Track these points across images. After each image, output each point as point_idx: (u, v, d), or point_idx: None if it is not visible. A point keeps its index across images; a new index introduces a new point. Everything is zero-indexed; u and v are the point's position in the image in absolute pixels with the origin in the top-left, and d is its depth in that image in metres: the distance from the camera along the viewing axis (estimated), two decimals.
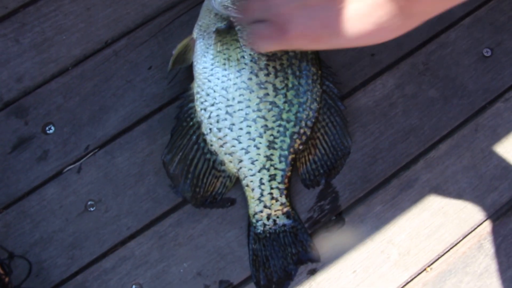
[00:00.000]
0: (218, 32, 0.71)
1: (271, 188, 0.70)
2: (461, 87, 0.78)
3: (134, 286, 0.69)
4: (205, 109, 0.70)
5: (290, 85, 0.70)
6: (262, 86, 0.69)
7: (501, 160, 0.75)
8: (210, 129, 0.70)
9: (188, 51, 0.73)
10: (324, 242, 0.71)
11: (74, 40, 0.78)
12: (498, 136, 0.76)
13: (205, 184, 0.71)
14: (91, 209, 0.72)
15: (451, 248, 0.72)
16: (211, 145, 0.70)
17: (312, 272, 0.70)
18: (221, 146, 0.70)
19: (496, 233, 0.72)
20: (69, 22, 0.79)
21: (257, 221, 0.70)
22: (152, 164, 0.73)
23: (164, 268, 0.70)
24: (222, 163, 0.71)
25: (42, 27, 0.78)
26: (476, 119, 0.77)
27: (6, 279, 0.67)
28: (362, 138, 0.75)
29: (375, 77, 0.77)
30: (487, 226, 0.73)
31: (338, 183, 0.73)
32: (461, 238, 0.72)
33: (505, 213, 0.73)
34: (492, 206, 0.73)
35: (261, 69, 0.69)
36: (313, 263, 0.70)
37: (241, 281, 0.70)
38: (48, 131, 0.75)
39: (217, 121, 0.70)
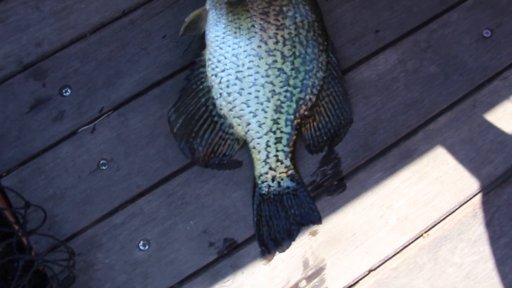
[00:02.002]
0: (229, 3, 0.75)
1: (277, 151, 0.73)
2: (461, 65, 0.81)
3: (141, 242, 0.72)
4: (216, 75, 0.74)
5: (297, 53, 0.73)
6: (270, 53, 0.73)
7: (497, 135, 0.78)
8: (220, 93, 0.73)
9: (200, 20, 0.76)
10: (326, 205, 0.74)
11: (93, 8, 0.82)
12: (495, 112, 0.79)
13: (209, 144, 0.74)
14: (103, 167, 0.75)
15: (447, 215, 0.75)
16: (221, 109, 0.74)
17: (314, 234, 0.73)
18: (230, 110, 0.73)
19: (490, 203, 0.75)
20: None
21: (262, 182, 0.73)
22: (163, 127, 0.76)
23: (171, 225, 0.73)
24: (230, 126, 0.74)
25: None
26: (474, 95, 0.80)
27: (18, 228, 0.70)
28: (365, 109, 0.78)
29: (379, 52, 0.81)
30: (482, 196, 0.75)
31: (340, 150, 0.76)
32: (457, 207, 0.75)
33: (500, 184, 0.76)
34: (487, 177, 0.76)
35: (270, 37, 0.73)
36: (314, 225, 0.73)
37: (244, 240, 0.73)
38: (64, 93, 0.78)
39: (227, 86, 0.73)
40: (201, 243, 0.72)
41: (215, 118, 0.74)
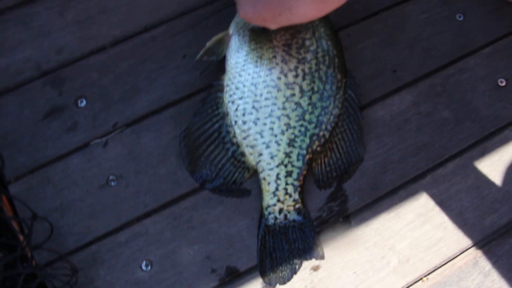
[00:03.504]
0: (253, 30, 0.75)
1: (286, 184, 0.73)
2: (474, 111, 0.82)
3: (144, 262, 0.73)
4: (233, 102, 0.74)
5: (315, 89, 0.74)
6: (289, 86, 0.73)
7: (504, 185, 0.79)
8: (236, 121, 0.74)
9: (220, 45, 0.76)
10: (329, 241, 0.75)
11: (115, 21, 0.82)
12: (503, 162, 0.80)
13: (219, 170, 0.74)
14: (112, 183, 0.75)
15: (448, 261, 0.75)
16: (234, 137, 0.74)
17: (315, 269, 0.74)
18: (244, 138, 0.74)
19: (492, 253, 0.76)
20: (113, 3, 0.82)
21: (269, 213, 0.74)
22: (175, 148, 0.77)
23: (175, 248, 0.73)
24: (242, 154, 0.74)
25: (87, 4, 0.82)
26: (484, 143, 0.81)
27: (22, 238, 0.70)
28: (376, 148, 0.79)
29: (395, 92, 0.82)
30: (484, 245, 0.77)
31: (348, 187, 0.77)
32: (458, 253, 0.76)
33: (502, 235, 0.77)
34: (490, 226, 0.77)
35: (290, 70, 0.73)
36: (317, 260, 0.74)
37: (247, 269, 0.73)
38: (80, 104, 0.78)
39: (243, 114, 0.74)
40: (204, 268, 0.73)
41: (227, 145, 0.75)
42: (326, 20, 0.77)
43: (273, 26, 0.69)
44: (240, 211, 0.75)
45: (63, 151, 0.76)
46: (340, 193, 0.77)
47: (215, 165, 0.75)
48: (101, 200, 0.75)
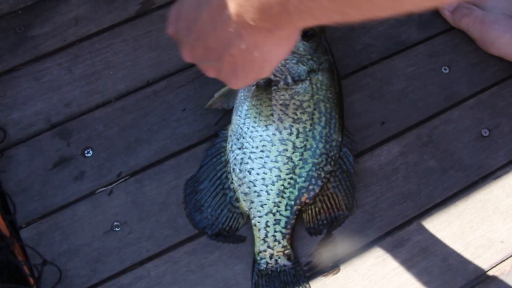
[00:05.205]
0: (257, 86, 0.80)
1: (275, 231, 0.78)
2: (458, 161, 0.86)
3: None
4: (233, 151, 0.80)
5: (308, 146, 0.79)
6: (283, 142, 0.78)
7: (486, 231, 0.83)
8: (233, 169, 0.80)
9: (230, 95, 0.82)
10: (319, 286, 0.79)
11: (120, 76, 0.88)
12: (486, 210, 0.84)
13: (218, 215, 0.80)
14: (117, 229, 0.80)
15: None
16: (232, 183, 0.80)
17: None
18: (239, 185, 0.79)
19: None
20: (117, 59, 0.88)
21: (261, 259, 0.78)
22: (176, 196, 0.82)
23: None
24: (237, 200, 0.80)
25: (93, 60, 0.88)
26: (468, 192, 0.85)
27: (33, 282, 0.76)
28: (364, 197, 0.84)
29: (383, 143, 0.86)
30: None
31: (338, 234, 0.82)
32: None
33: (485, 280, 0.81)
34: (473, 272, 0.81)
35: (285, 128, 0.79)
36: None
37: None
38: (86, 154, 0.84)
39: (240, 163, 0.79)
40: None
41: (226, 191, 0.80)
42: (331, 82, 0.82)
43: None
44: (236, 256, 0.80)
45: (71, 199, 0.82)
46: (330, 239, 0.81)
47: (215, 210, 0.80)
48: (106, 245, 0.80)
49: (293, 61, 0.80)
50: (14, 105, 0.86)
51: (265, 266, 0.78)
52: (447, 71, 0.92)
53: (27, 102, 0.86)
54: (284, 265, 0.78)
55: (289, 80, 0.80)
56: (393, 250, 0.82)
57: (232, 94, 0.83)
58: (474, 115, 0.89)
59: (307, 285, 0.78)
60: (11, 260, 0.74)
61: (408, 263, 0.81)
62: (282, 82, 0.80)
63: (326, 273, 0.80)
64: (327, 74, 0.82)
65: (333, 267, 0.80)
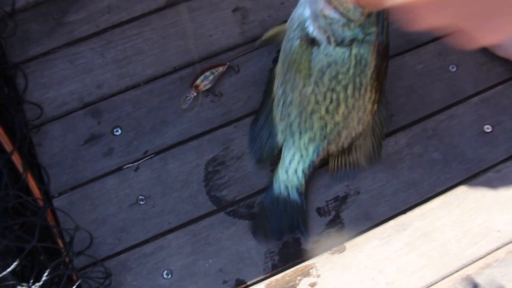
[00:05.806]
0: (301, 40, 0.80)
1: (297, 167, 0.87)
2: (461, 154, 0.92)
3: (166, 271, 0.84)
4: (279, 90, 0.86)
5: (340, 112, 0.84)
6: (318, 103, 0.83)
7: (484, 221, 0.89)
8: (278, 104, 0.87)
9: (279, 35, 0.86)
10: (326, 263, 0.86)
11: (148, 61, 0.94)
12: (485, 200, 0.90)
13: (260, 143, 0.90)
14: (141, 202, 0.87)
15: (430, 286, 0.86)
16: (276, 115, 0.88)
17: (312, 285, 0.85)
18: (281, 119, 0.87)
19: (469, 281, 0.86)
20: (147, 46, 0.95)
21: (278, 185, 0.87)
22: (197, 175, 0.89)
23: (193, 260, 0.85)
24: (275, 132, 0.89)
25: (124, 46, 0.95)
26: (469, 183, 0.91)
27: (62, 246, 0.82)
28: (372, 183, 0.90)
29: (391, 134, 0.93)
30: (463, 273, 0.86)
31: (345, 216, 0.88)
32: (439, 280, 0.86)
33: (481, 265, 0.87)
34: (470, 257, 0.87)
35: (320, 93, 0.82)
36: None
37: (253, 282, 0.84)
38: (115, 133, 0.90)
39: (282, 105, 0.86)
40: (217, 279, 0.84)
41: (270, 125, 0.89)
42: (372, 57, 0.80)
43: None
44: (250, 232, 0.87)
45: (100, 173, 0.89)
46: (337, 220, 0.88)
47: (261, 137, 0.89)
48: (131, 216, 0.87)
49: (340, 22, 0.76)
50: (50, 85, 0.93)
51: (278, 192, 0.86)
52: (454, 69, 0.97)
53: (62, 82, 0.93)
54: (295, 200, 0.86)
55: (332, 41, 0.78)
56: (395, 234, 0.88)
57: (279, 35, 0.86)
58: (478, 112, 0.95)
59: (305, 224, 0.86)
60: (46, 224, 0.81)
61: (410, 246, 0.87)
62: (324, 44, 0.79)
63: (332, 251, 0.86)
64: (370, 48, 0.79)
65: (339, 246, 0.87)
